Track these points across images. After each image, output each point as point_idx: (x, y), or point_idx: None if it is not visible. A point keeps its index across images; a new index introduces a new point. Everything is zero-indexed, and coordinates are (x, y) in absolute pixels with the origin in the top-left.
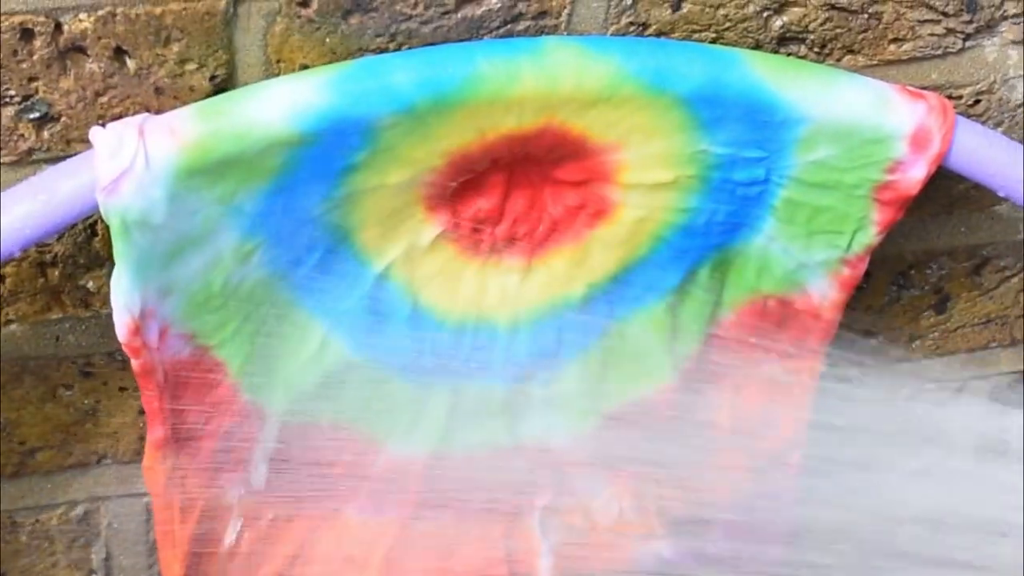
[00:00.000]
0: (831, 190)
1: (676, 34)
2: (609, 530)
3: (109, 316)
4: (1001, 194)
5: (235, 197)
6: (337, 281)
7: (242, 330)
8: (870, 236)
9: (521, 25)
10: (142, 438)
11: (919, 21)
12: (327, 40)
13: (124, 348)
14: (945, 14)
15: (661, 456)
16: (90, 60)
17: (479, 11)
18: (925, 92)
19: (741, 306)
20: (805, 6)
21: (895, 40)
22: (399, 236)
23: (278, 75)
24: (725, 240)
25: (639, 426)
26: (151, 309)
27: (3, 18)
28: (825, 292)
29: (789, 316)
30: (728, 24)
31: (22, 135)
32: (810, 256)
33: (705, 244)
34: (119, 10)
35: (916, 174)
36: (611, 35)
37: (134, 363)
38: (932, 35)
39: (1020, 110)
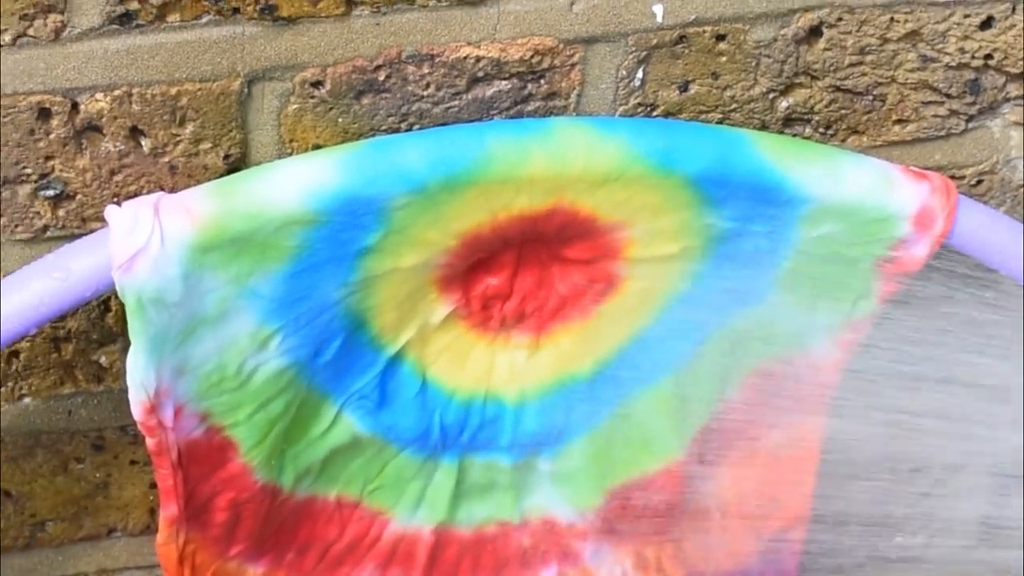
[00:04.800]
0: (835, 262)
1: (684, 115)
2: None
3: (121, 391)
4: (1002, 273)
5: (250, 278)
6: (352, 365)
7: (257, 415)
8: (872, 304)
9: (531, 106)
10: (152, 511)
11: (923, 103)
12: (339, 120)
13: (140, 427)
14: (949, 96)
15: (665, 533)
16: (106, 139)
17: (489, 92)
18: (929, 172)
19: (747, 376)
20: (811, 88)
21: (899, 121)
22: (413, 318)
23: (291, 154)
24: (730, 310)
25: (644, 502)
26: (166, 388)
27: (21, 97)
28: (827, 353)
29: (791, 377)
30: (735, 105)
31: (38, 212)
32: (813, 319)
33: (710, 314)
34: (135, 90)
35: (919, 252)
36: (619, 116)
37: (149, 442)
38: (936, 116)
39: (1022, 190)
